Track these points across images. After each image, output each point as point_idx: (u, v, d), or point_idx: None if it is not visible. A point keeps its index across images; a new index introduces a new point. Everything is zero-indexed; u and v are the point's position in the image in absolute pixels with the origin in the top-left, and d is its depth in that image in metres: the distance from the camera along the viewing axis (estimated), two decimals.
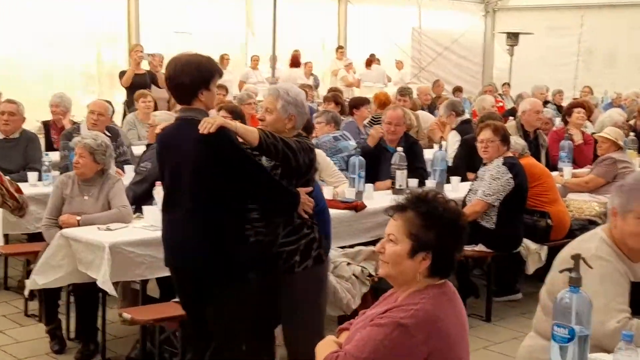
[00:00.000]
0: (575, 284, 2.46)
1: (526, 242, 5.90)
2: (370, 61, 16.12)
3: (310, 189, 3.77)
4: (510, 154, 5.79)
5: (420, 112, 10.00)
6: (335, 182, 5.81)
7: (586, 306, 2.45)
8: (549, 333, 2.47)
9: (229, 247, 3.51)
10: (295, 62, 15.14)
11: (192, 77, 3.51)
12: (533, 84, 13.85)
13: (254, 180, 3.52)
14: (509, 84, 15.71)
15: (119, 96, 11.13)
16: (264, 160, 3.68)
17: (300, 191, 3.70)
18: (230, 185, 3.46)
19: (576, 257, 2.49)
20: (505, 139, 5.73)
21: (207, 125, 3.37)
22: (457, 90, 15.68)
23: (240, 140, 3.49)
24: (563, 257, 2.96)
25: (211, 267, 3.51)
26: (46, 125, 7.94)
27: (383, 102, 9.31)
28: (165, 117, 6.08)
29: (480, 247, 5.73)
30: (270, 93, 3.78)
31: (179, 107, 6.69)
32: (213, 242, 3.49)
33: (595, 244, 3.04)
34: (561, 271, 2.52)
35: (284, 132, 3.70)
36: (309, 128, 5.71)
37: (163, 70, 10.15)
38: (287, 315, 3.83)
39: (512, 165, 5.68)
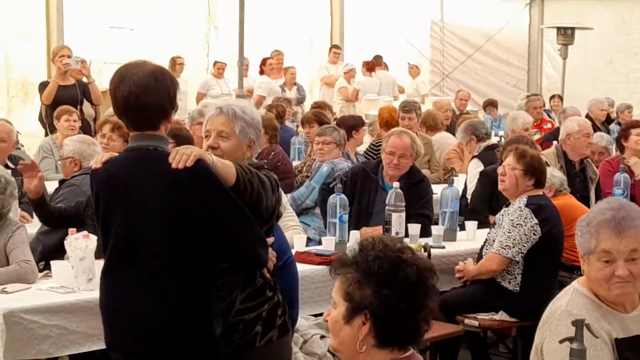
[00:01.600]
0: (577, 357, 2.66)
1: None
2: (373, 66, 16.35)
3: (272, 239, 3.94)
4: (539, 192, 5.98)
5: (438, 135, 10.25)
6: (287, 228, 6.03)
7: None
8: None
9: (208, 321, 3.64)
10: (271, 68, 15.37)
11: (165, 96, 3.63)
12: (593, 96, 14.14)
13: (240, 230, 3.63)
14: (560, 97, 15.97)
15: (35, 113, 11.35)
16: None
17: None
18: (212, 237, 3.58)
19: (578, 324, 2.69)
20: (532, 170, 5.91)
21: (183, 157, 3.48)
22: (490, 104, 15.97)
23: None
24: (545, 318, 3.21)
25: (180, 350, 3.61)
26: None
27: (388, 123, 9.58)
28: (77, 148, 6.27)
29: (502, 316, 5.91)
30: (223, 112, 3.93)
31: (105, 131, 6.93)
32: (191, 316, 3.60)
33: (567, 297, 3.24)
34: (561, 341, 2.73)
35: (241, 162, 3.83)
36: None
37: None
38: None
39: (539, 207, 5.85)
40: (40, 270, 5.41)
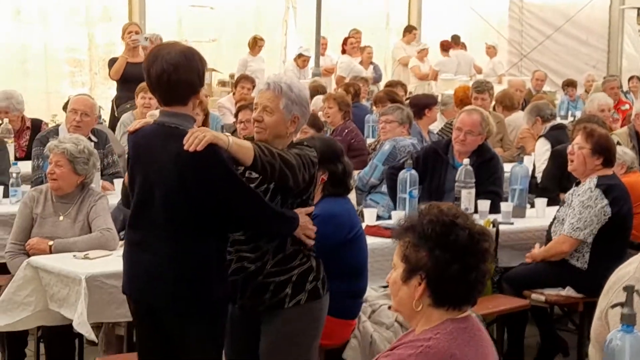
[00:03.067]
0: (628, 322, 2.77)
1: None
2: (449, 45, 16.40)
3: (310, 209, 4.16)
4: (609, 172, 6.02)
5: (515, 115, 10.29)
6: None
7: None
8: None
9: (205, 280, 3.90)
10: (352, 47, 15.48)
11: (194, 74, 3.90)
12: None
13: (244, 209, 3.91)
14: (639, 78, 15.83)
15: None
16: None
17: (299, 213, 4.07)
18: (214, 212, 3.85)
19: (629, 289, 2.81)
20: (600, 149, 5.95)
21: (195, 140, 3.70)
22: (569, 85, 15.87)
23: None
24: (611, 283, 3.31)
25: (179, 304, 3.91)
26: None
27: (463, 101, 9.67)
28: None
29: (569, 292, 6.00)
30: (270, 88, 4.11)
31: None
32: (185, 273, 3.88)
33: (636, 264, 3.38)
34: (613, 306, 2.84)
35: (284, 137, 4.09)
36: (318, 126, 6.15)
37: None
38: (268, 357, 4.18)
39: (609, 187, 5.89)
40: (121, 239, 5.63)
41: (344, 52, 15.51)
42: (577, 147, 6.00)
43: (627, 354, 2.73)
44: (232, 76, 13.97)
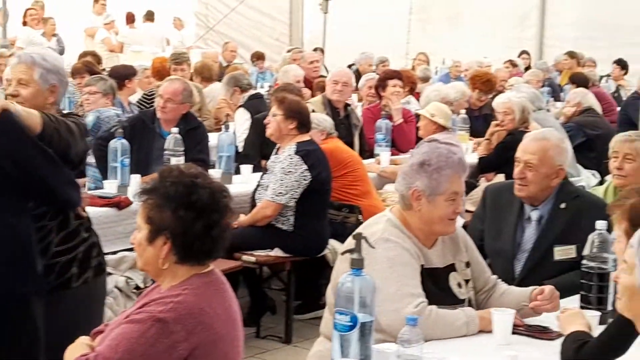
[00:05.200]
0: (357, 266, 3.08)
1: (333, 243, 6.55)
2: (134, 17, 16.35)
3: (84, 179, 4.16)
4: (306, 137, 6.38)
5: (212, 85, 10.54)
6: None
7: (370, 290, 3.09)
8: None
9: (32, 258, 3.77)
10: (32, 19, 15.13)
11: None
12: (358, 50, 14.88)
13: (47, 174, 3.79)
14: (322, 50, 16.57)
15: None
16: None
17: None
18: (23, 181, 3.72)
19: (357, 237, 3.12)
20: (292, 114, 6.28)
21: None
22: (258, 58, 16.39)
23: None
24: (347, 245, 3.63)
25: (13, 284, 3.72)
26: None
27: (160, 72, 9.86)
28: None
29: (277, 252, 6.33)
30: (22, 61, 4.05)
31: None
32: (14, 253, 3.72)
33: (381, 225, 3.77)
34: (343, 253, 3.15)
35: (44, 108, 3.97)
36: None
37: None
38: (57, 342, 3.77)
39: (308, 153, 6.26)
40: None
41: (24, 24, 15.14)
42: (272, 115, 6.34)
43: (356, 293, 3.05)
44: None
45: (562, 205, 4.68)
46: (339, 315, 3.06)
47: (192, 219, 2.96)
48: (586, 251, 3.97)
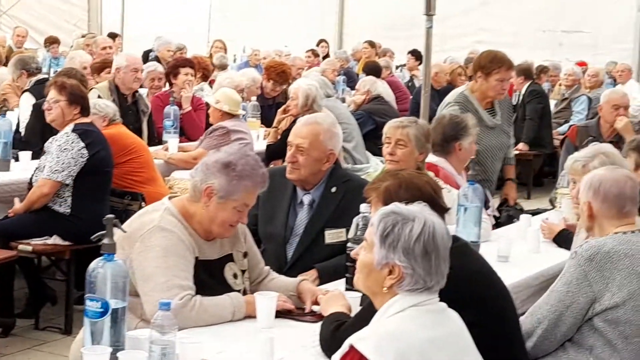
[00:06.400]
0: (108, 250, 3.05)
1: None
2: None
3: None
4: (86, 120, 6.28)
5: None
6: None
7: (122, 275, 3.06)
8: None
9: None
10: None
11: None
12: (154, 37, 14.73)
13: None
14: (117, 35, 16.38)
15: None
16: None
17: None
18: None
19: (109, 221, 3.09)
20: (75, 99, 6.18)
21: None
22: (52, 42, 16.00)
23: None
24: (133, 229, 3.65)
25: None
26: None
27: None
28: None
29: (56, 240, 6.16)
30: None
31: None
32: None
33: (159, 214, 3.78)
34: (93, 238, 3.10)
35: None
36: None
37: None
38: None
39: (85, 132, 6.15)
40: None
41: None
42: (54, 101, 6.19)
43: (108, 279, 3.02)
44: None
45: (333, 189, 4.76)
46: (89, 301, 3.02)
47: None
48: (351, 234, 4.06)
